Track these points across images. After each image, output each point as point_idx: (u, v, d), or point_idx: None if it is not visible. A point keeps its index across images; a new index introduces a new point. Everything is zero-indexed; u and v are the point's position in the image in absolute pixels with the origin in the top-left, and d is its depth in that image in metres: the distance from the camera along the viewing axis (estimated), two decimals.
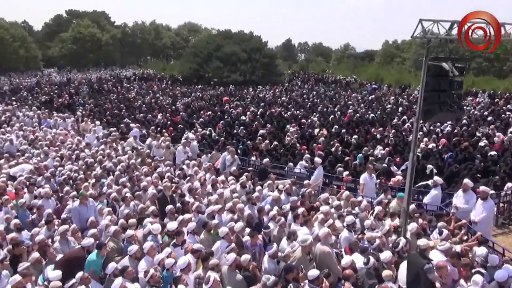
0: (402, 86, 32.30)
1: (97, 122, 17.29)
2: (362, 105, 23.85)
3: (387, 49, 54.26)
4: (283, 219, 7.70)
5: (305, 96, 28.13)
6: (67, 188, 9.82)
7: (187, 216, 7.72)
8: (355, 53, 62.24)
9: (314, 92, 30.19)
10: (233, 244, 6.42)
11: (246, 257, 6.08)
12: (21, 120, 18.67)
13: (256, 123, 17.98)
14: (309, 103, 24.60)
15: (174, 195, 9.23)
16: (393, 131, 16.11)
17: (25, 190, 9.83)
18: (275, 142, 14.52)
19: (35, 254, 6.44)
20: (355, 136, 15.00)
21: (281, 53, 63.06)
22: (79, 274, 5.77)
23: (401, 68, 44.90)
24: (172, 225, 7.26)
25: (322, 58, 63.62)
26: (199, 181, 10.16)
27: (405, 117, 18.89)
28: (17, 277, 5.60)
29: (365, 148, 13.44)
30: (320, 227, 7.20)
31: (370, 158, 12.27)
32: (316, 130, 16.65)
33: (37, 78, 39.59)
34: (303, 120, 18.40)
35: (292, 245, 6.60)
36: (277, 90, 32.23)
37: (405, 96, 27.47)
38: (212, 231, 7.36)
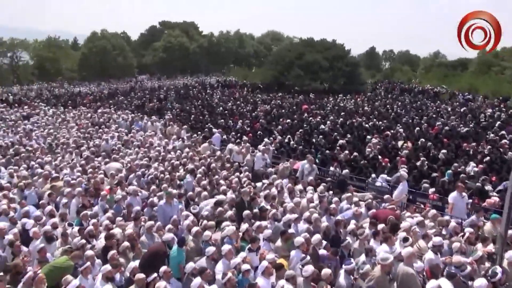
0: (501, 97, 29.34)
1: (184, 126, 18.27)
2: (452, 117, 22.13)
3: (484, 57, 49.69)
4: (366, 232, 7.39)
5: (388, 106, 26.88)
6: (153, 187, 10.49)
7: (264, 223, 7.78)
8: (446, 61, 57.98)
9: (399, 102, 28.73)
10: (308, 257, 6.29)
11: (326, 271, 5.92)
12: (116, 122, 20.46)
13: (335, 132, 17.60)
14: (393, 114, 23.44)
15: (252, 201, 9.36)
16: (489, 146, 14.65)
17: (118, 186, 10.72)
18: (355, 153, 14.04)
19: (125, 243, 6.95)
20: (444, 151, 13.92)
21: (364, 61, 61.17)
22: (163, 268, 6.11)
23: (500, 78, 40.83)
24: (244, 227, 7.38)
25: (409, 67, 60.38)
26: (276, 188, 10.19)
27: (503, 132, 17.11)
28: (108, 267, 6.10)
29: (455, 164, 12.40)
30: (402, 246, 6.78)
31: (461, 175, 11.27)
32: (400, 143, 15.74)
33: (131, 84, 43.17)
34: (387, 132, 17.58)
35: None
36: (358, 99, 31.28)
37: (503, 109, 24.91)
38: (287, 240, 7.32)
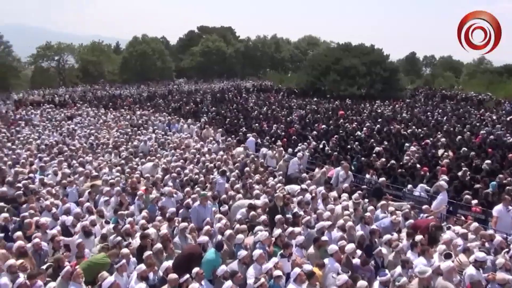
0: None
1: (219, 129, 18.48)
2: (498, 125, 21.06)
3: None
4: (401, 245, 7.14)
5: (429, 113, 25.97)
6: (187, 188, 10.64)
7: (297, 229, 7.70)
8: (491, 67, 55.41)
9: (440, 110, 27.72)
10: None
11: (362, 284, 5.76)
12: (154, 124, 20.99)
13: (372, 139, 17.20)
14: (433, 121, 22.63)
15: (285, 206, 9.29)
16: None
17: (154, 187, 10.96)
18: (392, 161, 13.63)
19: (158, 245, 7.08)
20: (488, 161, 13.25)
21: (404, 67, 59.56)
22: (195, 269, 6.16)
23: None
24: (276, 233, 7.35)
25: (451, 73, 58.21)
26: (310, 194, 10.07)
27: None
28: (142, 266, 6.23)
29: (500, 175, 11.77)
30: (441, 259, 6.49)
31: (507, 187, 10.68)
32: (441, 151, 15.14)
33: (169, 87, 44.22)
34: (426, 140, 16.98)
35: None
36: (397, 105, 30.46)
37: None
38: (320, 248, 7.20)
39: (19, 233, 7.62)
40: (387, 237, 7.41)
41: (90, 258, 6.85)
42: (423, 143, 16.48)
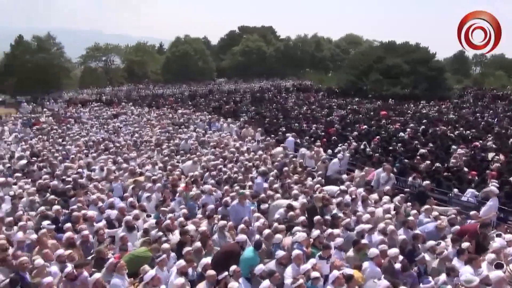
0: None
1: (258, 129, 18.54)
2: None
3: None
4: (446, 251, 6.83)
5: (478, 114, 24.74)
6: (226, 187, 10.74)
7: (336, 230, 7.57)
8: None
9: (490, 110, 26.32)
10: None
11: None
12: (194, 123, 21.41)
13: (416, 141, 16.58)
14: (483, 123, 21.50)
15: (324, 207, 9.16)
16: None
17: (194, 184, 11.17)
18: (437, 164, 13.08)
19: (198, 244, 7.20)
20: None
21: (451, 66, 57.01)
22: (233, 267, 6.22)
23: None
24: (315, 234, 7.26)
25: (503, 72, 55.06)
26: (350, 196, 9.87)
27: None
28: (182, 262, 6.37)
29: None
30: (489, 269, 6.15)
31: None
32: (491, 155, 14.35)
33: (210, 86, 44.93)
34: (475, 142, 16.15)
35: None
36: (443, 106, 29.24)
37: None
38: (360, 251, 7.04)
39: (68, 224, 8.03)
40: (430, 243, 7.11)
41: (133, 251, 7.09)
42: (471, 146, 15.70)
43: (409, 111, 26.27)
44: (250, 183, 11.18)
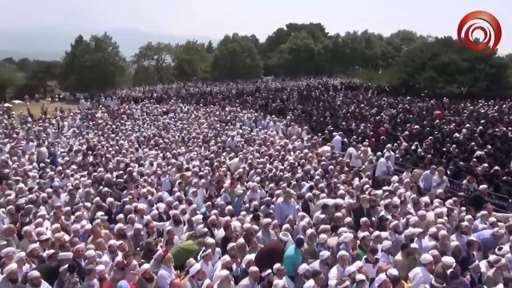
0: None
1: (305, 127, 18.37)
2: None
3: None
4: (503, 260, 6.39)
5: None
6: (271, 185, 10.74)
7: (383, 233, 7.33)
8: None
9: None
10: None
11: None
12: (241, 120, 21.61)
13: (472, 142, 15.64)
14: None
15: (372, 208, 8.91)
16: None
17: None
18: (496, 167, 12.25)
19: (241, 240, 7.27)
20: None
21: None
22: (277, 265, 6.21)
23: None
24: (362, 235, 7.09)
25: None
26: (399, 197, 9.52)
27: None
28: (227, 257, 6.47)
29: None
30: None
31: None
32: None
33: (256, 84, 45.14)
34: None
35: None
36: (504, 105, 27.36)
37: None
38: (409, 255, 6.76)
39: (121, 216, 8.41)
40: (493, 257, 6.57)
41: (180, 244, 7.30)
42: None
43: (465, 111, 24.85)
44: (295, 182, 11.08)
